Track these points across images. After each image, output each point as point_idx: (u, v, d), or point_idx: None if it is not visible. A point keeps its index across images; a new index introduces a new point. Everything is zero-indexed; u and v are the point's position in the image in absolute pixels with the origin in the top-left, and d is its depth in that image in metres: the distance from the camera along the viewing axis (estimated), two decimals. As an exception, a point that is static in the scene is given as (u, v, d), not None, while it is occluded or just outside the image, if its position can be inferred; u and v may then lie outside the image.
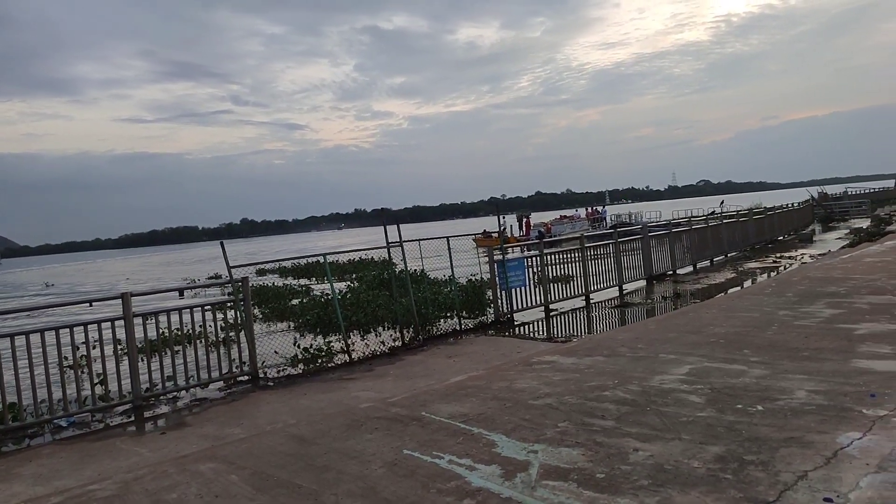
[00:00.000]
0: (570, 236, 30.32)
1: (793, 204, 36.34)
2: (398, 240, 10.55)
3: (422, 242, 11.14)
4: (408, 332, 10.32)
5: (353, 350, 9.60)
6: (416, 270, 12.15)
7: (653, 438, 3.95)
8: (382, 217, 11.15)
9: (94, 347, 7.65)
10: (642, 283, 15.49)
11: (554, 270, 13.20)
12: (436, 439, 4.23)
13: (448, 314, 11.35)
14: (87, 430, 6.88)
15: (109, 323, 7.52)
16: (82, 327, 7.37)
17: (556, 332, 10.81)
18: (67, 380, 7.17)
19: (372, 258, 24.74)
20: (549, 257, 13.04)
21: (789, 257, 19.16)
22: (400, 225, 11.16)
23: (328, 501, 3.35)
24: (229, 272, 8.70)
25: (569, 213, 60.08)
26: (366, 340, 10.50)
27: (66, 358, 7.31)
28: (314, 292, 17.88)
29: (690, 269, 17.59)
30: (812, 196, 49.62)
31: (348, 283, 18.14)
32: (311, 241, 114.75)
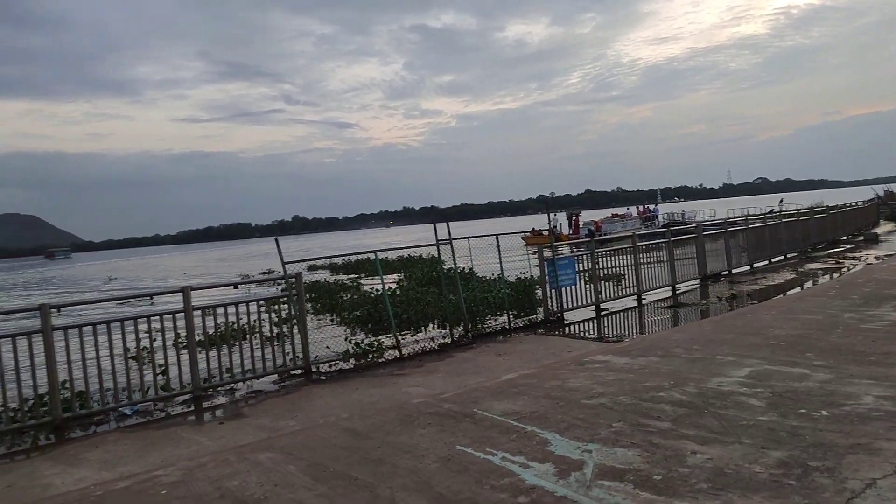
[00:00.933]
0: (621, 235, 29.85)
1: (856, 202, 34.87)
2: (448, 237, 10.58)
3: (471, 240, 11.14)
4: (457, 329, 10.35)
5: (403, 346, 9.68)
6: (464, 268, 12.17)
7: (711, 441, 3.86)
8: (431, 215, 11.21)
9: (155, 339, 7.92)
10: (696, 283, 15.13)
11: (605, 269, 13.02)
12: (488, 436, 4.24)
13: (497, 312, 11.32)
14: (149, 419, 7.14)
15: (171, 315, 7.78)
16: (145, 319, 7.67)
17: (607, 332, 10.66)
18: (131, 369, 7.47)
19: (420, 256, 24.89)
20: (600, 256, 12.87)
21: (853, 258, 18.40)
22: (449, 223, 11.19)
23: (384, 494, 3.40)
24: (283, 268, 8.89)
25: (620, 211, 59.12)
26: (415, 337, 10.57)
27: (129, 349, 7.63)
28: (364, 288, 18.10)
29: (747, 269, 17.09)
30: (877, 194, 47.49)
31: (397, 280, 18.29)
32: (361, 238, 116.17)
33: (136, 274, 55.01)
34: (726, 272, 16.36)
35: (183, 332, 7.87)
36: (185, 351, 7.86)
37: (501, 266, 11.60)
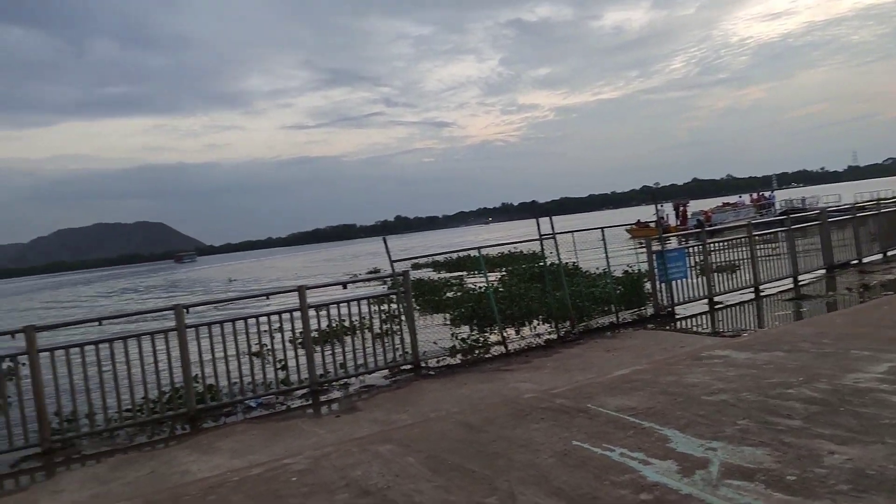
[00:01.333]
0: (734, 224, 28.31)
1: None
2: (551, 232, 10.46)
3: (575, 234, 10.95)
4: (562, 325, 10.22)
5: (508, 342, 9.68)
6: (568, 263, 11.97)
7: (850, 441, 3.60)
8: (534, 210, 11.12)
9: (273, 336, 8.35)
10: (821, 273, 14.09)
11: (718, 261, 12.41)
12: (605, 431, 4.16)
13: (604, 307, 11.08)
14: (272, 411, 7.55)
15: (289, 313, 8.18)
16: (265, 317, 8.12)
17: (723, 326, 10.16)
18: (254, 365, 7.95)
19: (521, 251, 24.75)
20: (712, 247, 12.28)
21: None
22: (552, 217, 11.05)
23: (502, 487, 3.42)
24: (391, 266, 9.12)
25: (732, 199, 56.09)
26: (521, 333, 10.53)
27: (250, 345, 8.13)
28: (467, 285, 18.24)
29: (879, 257, 15.72)
30: None
31: (500, 276, 18.29)
32: (461, 235, 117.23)
33: (252, 275, 58.32)
34: (855, 261, 15.13)
35: (299, 329, 8.26)
36: (302, 347, 8.26)
37: (608, 260, 11.32)
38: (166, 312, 8.07)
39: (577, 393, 5.34)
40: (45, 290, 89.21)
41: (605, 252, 11.28)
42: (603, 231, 11.30)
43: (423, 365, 8.96)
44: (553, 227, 10.47)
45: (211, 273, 77.56)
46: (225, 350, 7.67)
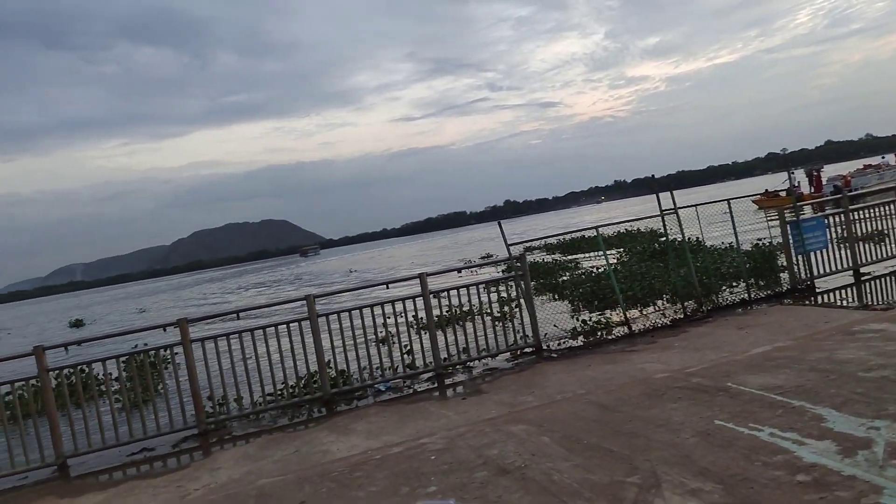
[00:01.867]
0: (880, 187, 25.81)
1: None
2: (672, 207, 10.01)
3: (698, 208, 10.42)
4: (688, 303, 9.79)
5: (631, 322, 9.41)
6: (690, 239, 11.42)
7: None
8: (652, 185, 10.64)
9: (398, 323, 8.61)
10: None
11: (861, 229, 11.37)
12: (750, 410, 3.95)
13: (733, 283, 10.49)
14: (400, 395, 7.81)
15: (412, 300, 8.41)
16: (390, 304, 8.39)
17: (872, 299, 9.32)
18: (381, 350, 8.25)
19: (638, 229, 23.90)
20: (855, 214, 11.27)
21: None
22: (673, 192, 10.57)
23: (643, 467, 3.35)
24: (507, 249, 9.11)
25: (874, 160, 51.12)
26: (644, 313, 10.21)
27: (377, 331, 8.45)
28: (583, 266, 17.92)
29: None
30: None
31: (617, 255, 17.81)
32: (572, 216, 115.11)
33: (370, 265, 60.39)
34: None
35: (422, 315, 8.47)
36: (425, 332, 8.46)
37: (736, 233, 10.70)
38: (297, 303, 8.54)
39: (713, 372, 5.10)
40: (187, 287, 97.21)
41: (733, 225, 10.66)
42: (729, 203, 10.67)
43: (545, 347, 8.91)
44: (675, 202, 10.03)
45: (332, 265, 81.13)
46: (354, 337, 8.03)
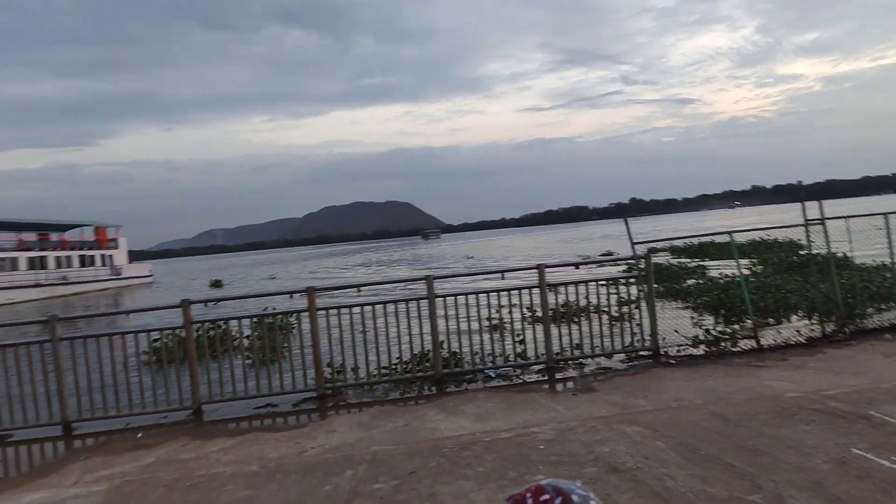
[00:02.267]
0: None
1: None
2: (819, 217, 9.25)
3: (849, 220, 9.55)
4: (828, 323, 9.03)
5: (760, 336, 8.84)
6: (836, 253, 10.49)
7: None
8: (797, 193, 9.87)
9: (511, 312, 8.63)
10: None
11: None
12: (894, 443, 3.61)
13: (882, 306, 9.55)
14: (509, 383, 7.84)
15: (527, 290, 8.38)
16: (506, 293, 8.43)
17: None
18: (494, 338, 8.32)
19: (776, 239, 22.29)
20: None
21: None
22: (821, 201, 9.74)
23: (767, 487, 3.17)
24: (632, 248, 8.84)
25: None
26: (775, 328, 9.55)
27: (488, 318, 8.53)
28: (711, 273, 17.04)
29: None
30: None
31: (750, 264, 16.76)
32: (701, 220, 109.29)
33: (487, 253, 60.78)
34: None
35: (536, 307, 8.44)
36: (539, 324, 8.42)
37: (892, 251, 9.71)
38: (416, 282, 8.78)
39: (854, 398, 4.70)
40: (313, 258, 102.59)
41: (889, 241, 9.68)
42: (886, 217, 9.70)
43: (663, 353, 8.59)
44: (822, 212, 9.26)
45: (449, 250, 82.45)
46: (469, 321, 8.15)
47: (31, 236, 56.72)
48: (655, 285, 14.05)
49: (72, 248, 59.63)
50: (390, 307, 8.12)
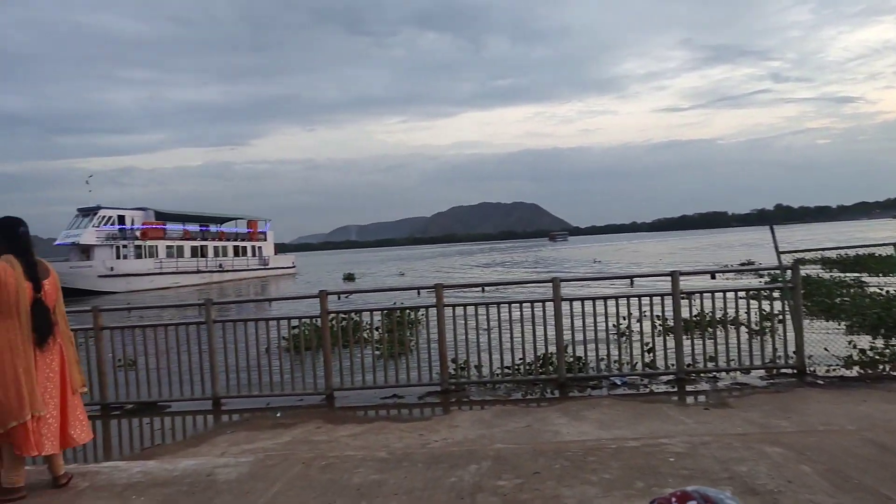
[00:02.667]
0: None
1: None
2: None
3: None
4: None
5: (929, 361, 7.92)
6: None
7: None
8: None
9: (638, 320, 8.33)
10: None
11: None
12: None
13: None
14: (635, 392, 7.59)
15: (660, 298, 8.06)
16: (636, 298, 8.17)
17: None
18: (622, 345, 8.10)
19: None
20: None
21: None
22: None
23: (931, 526, 2.85)
24: (778, 257, 8.25)
25: None
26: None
27: (618, 325, 8.30)
28: (870, 288, 15.47)
29: None
30: None
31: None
32: (861, 229, 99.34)
33: (615, 258, 59.09)
34: None
35: (667, 315, 8.09)
36: (669, 333, 8.07)
37: None
38: (542, 284, 8.72)
39: None
40: (440, 256, 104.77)
41: None
42: None
43: (809, 371, 7.94)
44: None
45: (575, 253, 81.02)
46: (595, 326, 7.98)
47: (193, 227, 63.18)
48: (805, 299, 13.00)
49: (227, 239, 65.76)
50: (515, 307, 8.13)
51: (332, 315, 8.47)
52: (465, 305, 8.26)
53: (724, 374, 7.98)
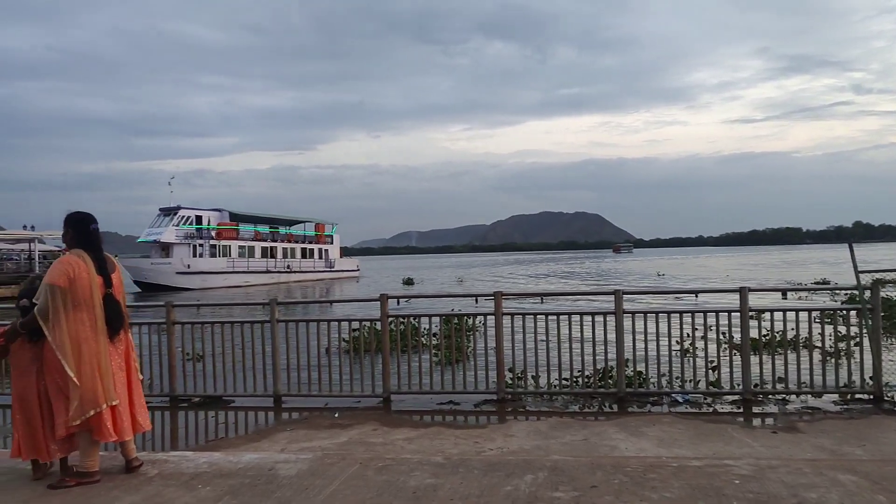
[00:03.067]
0: None
1: None
2: None
3: None
4: None
5: None
6: None
7: None
8: None
9: (702, 336, 8.07)
10: None
11: None
12: None
13: None
14: (698, 410, 7.36)
15: (726, 314, 7.80)
16: (701, 314, 7.94)
17: None
18: (685, 361, 7.87)
19: None
20: None
21: None
22: None
23: None
24: (857, 277, 7.86)
25: None
26: None
27: (681, 341, 8.07)
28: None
29: None
30: None
31: None
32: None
33: (679, 272, 57.55)
34: None
35: (735, 333, 7.82)
36: (735, 352, 7.79)
37: None
38: (602, 296, 8.58)
39: None
40: (499, 265, 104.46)
41: None
42: None
43: (888, 398, 7.52)
44: None
45: (638, 266, 79.27)
46: (658, 341, 7.79)
47: (263, 228, 65.78)
48: (884, 321, 12.34)
49: (296, 241, 68.13)
50: (575, 319, 8.03)
51: (392, 319, 8.57)
52: (523, 315, 8.21)
53: (793, 396, 7.65)
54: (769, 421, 6.91)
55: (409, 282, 52.91)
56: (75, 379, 4.30)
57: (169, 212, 56.97)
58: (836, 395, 7.62)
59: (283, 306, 8.70)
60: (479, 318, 9.06)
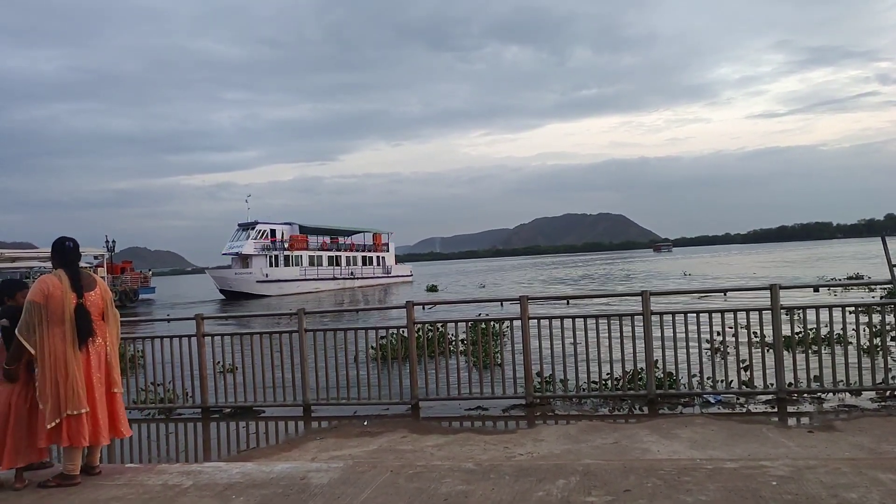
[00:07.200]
0: None
1: None
2: None
3: None
4: None
5: None
6: None
7: None
8: None
9: (733, 335, 7.94)
10: None
11: None
12: None
13: None
14: (731, 411, 7.24)
15: (757, 312, 7.66)
16: (731, 313, 7.80)
17: None
18: (716, 361, 7.74)
19: None
20: None
21: None
22: None
23: None
24: (891, 270, 7.68)
25: None
26: None
27: (712, 340, 7.95)
28: None
29: None
30: None
31: None
32: None
33: (706, 271, 56.72)
34: None
35: (767, 331, 7.67)
36: (768, 350, 7.64)
37: None
38: (629, 297, 8.50)
39: None
40: (523, 269, 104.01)
41: None
42: None
43: (928, 395, 7.33)
44: None
45: (663, 266, 78.23)
46: (687, 341, 7.69)
47: (326, 239, 71.12)
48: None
49: (357, 250, 73.60)
50: (602, 321, 7.97)
51: (419, 325, 8.58)
52: (550, 318, 8.17)
53: (829, 394, 7.50)
54: (805, 420, 6.78)
55: (432, 288, 53.40)
56: (45, 388, 4.64)
57: (247, 226, 62.10)
58: (874, 393, 7.45)
59: (313, 315, 8.76)
60: (505, 322, 9.03)
